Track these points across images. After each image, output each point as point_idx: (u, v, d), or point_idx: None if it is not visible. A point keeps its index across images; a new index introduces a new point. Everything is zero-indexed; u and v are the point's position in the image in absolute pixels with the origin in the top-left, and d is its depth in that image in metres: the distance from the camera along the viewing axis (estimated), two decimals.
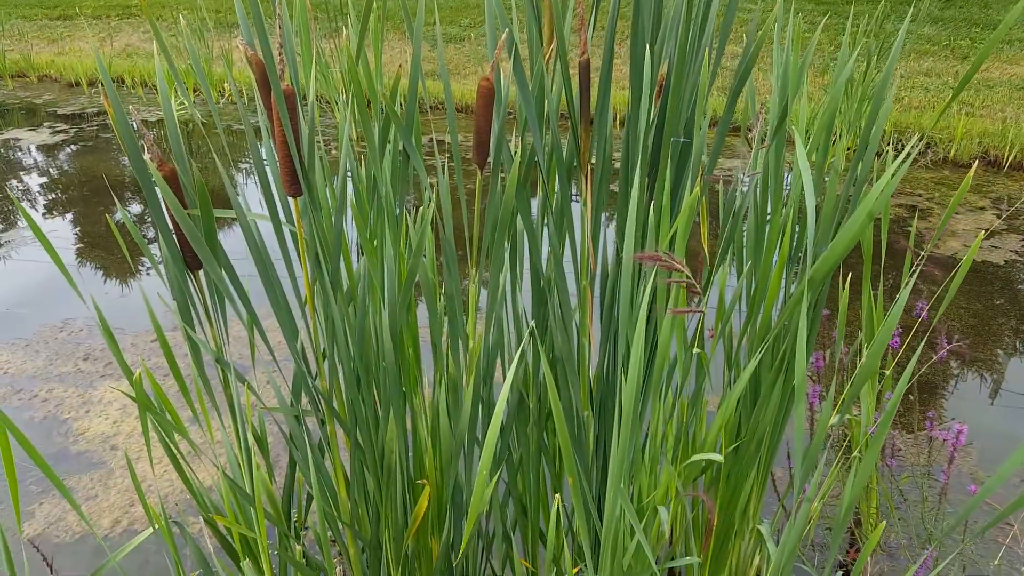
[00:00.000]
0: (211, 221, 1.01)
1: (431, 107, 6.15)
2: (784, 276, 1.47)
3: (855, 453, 1.61)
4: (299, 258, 1.08)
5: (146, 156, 0.99)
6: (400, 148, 1.18)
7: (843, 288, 1.59)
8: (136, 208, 4.80)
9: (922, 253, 1.45)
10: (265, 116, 1.08)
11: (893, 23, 6.66)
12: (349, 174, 1.15)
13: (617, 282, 1.33)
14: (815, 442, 0.98)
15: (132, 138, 1.01)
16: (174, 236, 1.07)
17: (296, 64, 1.05)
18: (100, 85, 7.53)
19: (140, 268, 3.90)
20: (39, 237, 1.10)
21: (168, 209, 1.03)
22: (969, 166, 5.09)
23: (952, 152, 5.16)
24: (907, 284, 1.09)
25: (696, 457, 0.93)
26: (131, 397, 1.10)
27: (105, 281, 3.75)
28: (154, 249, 4.12)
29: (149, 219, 4.67)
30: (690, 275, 0.78)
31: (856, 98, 4.69)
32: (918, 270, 1.26)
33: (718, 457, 0.86)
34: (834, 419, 1.41)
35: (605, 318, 1.37)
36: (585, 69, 1.21)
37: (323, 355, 1.13)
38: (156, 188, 1.02)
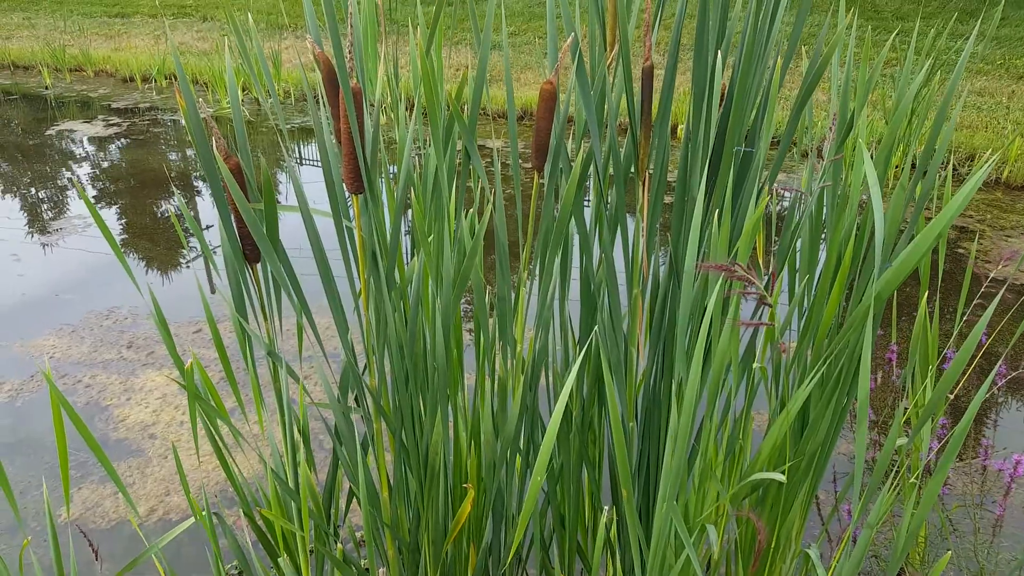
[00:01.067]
0: (274, 215, 1.02)
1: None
2: (841, 294, 1.43)
3: (912, 479, 1.56)
4: (356, 255, 1.08)
5: (214, 149, 1.00)
6: (458, 149, 1.18)
7: (924, 311, 1.54)
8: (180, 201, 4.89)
9: (992, 274, 1.40)
10: (316, 115, 1.09)
11: (945, 40, 6.51)
12: (412, 173, 1.15)
13: (668, 292, 1.31)
14: (877, 471, 0.95)
15: (201, 131, 1.02)
16: (235, 228, 1.08)
17: (363, 64, 1.06)
18: (153, 81, 7.72)
19: (181, 260, 3.97)
20: (101, 227, 1.12)
21: (231, 201, 1.03)
22: (1022, 188, 4.94)
23: (1005, 174, 5.02)
24: (969, 311, 1.05)
25: (756, 476, 0.90)
26: (181, 385, 1.11)
27: (147, 271, 3.83)
28: (194, 241, 4.20)
29: (193, 212, 4.75)
30: (760, 286, 0.76)
31: (908, 115, 4.59)
32: (997, 299, 1.22)
33: (780, 477, 0.83)
34: (900, 441, 1.37)
35: (655, 328, 1.34)
36: (648, 76, 1.20)
37: (373, 351, 1.13)
38: (220, 180, 1.03)
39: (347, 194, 1.08)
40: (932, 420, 1.75)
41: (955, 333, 1.61)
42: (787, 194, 1.29)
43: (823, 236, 1.50)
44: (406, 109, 1.26)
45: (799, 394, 1.13)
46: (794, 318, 1.49)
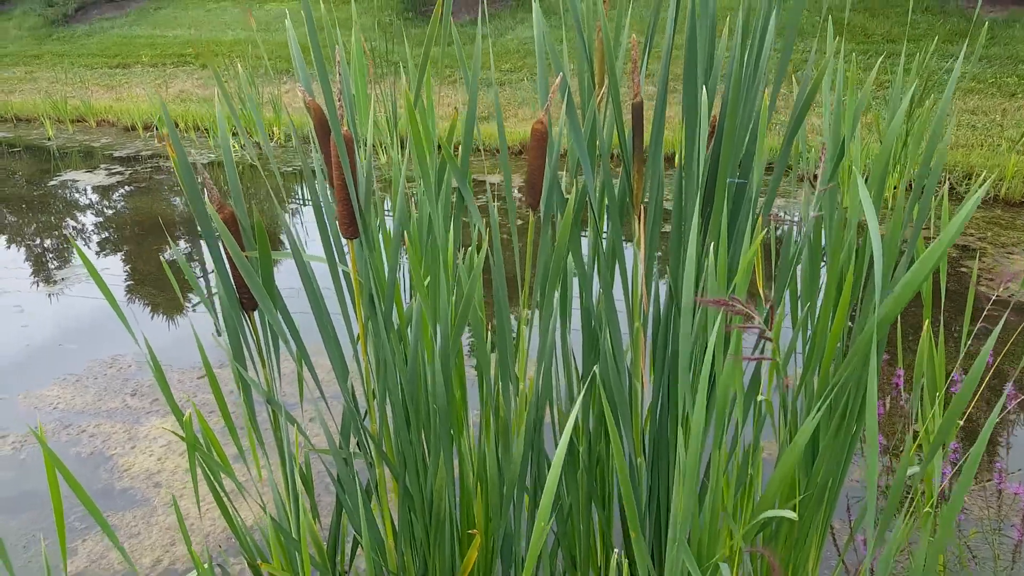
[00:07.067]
0: (269, 264, 1.02)
1: (473, 149, 6.24)
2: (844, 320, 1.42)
3: (926, 508, 1.52)
4: (352, 298, 1.08)
5: (206, 200, 1.00)
6: (453, 186, 1.19)
7: (928, 335, 1.52)
8: (183, 246, 4.93)
9: (994, 296, 1.39)
10: (307, 165, 1.09)
11: (936, 61, 6.58)
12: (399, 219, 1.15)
13: (670, 324, 1.30)
14: (891, 501, 0.93)
15: (193, 183, 1.02)
16: (231, 277, 1.08)
17: (353, 109, 1.07)
18: (155, 129, 7.83)
19: (187, 305, 3.98)
20: (93, 275, 1.12)
21: (226, 251, 1.03)
22: (1021, 205, 4.95)
23: (1003, 191, 5.03)
24: (974, 333, 1.04)
25: (767, 514, 0.88)
26: (180, 436, 1.10)
27: (153, 317, 3.84)
28: (200, 284, 4.22)
29: (196, 257, 4.78)
30: (760, 321, 0.75)
31: (902, 135, 4.62)
32: (1002, 322, 1.21)
33: (792, 515, 0.81)
34: (912, 470, 1.34)
35: (659, 361, 1.33)
36: (638, 111, 1.20)
37: (373, 394, 1.12)
38: (214, 231, 1.04)
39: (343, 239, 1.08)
40: (943, 446, 1.72)
41: (961, 355, 1.59)
42: (786, 220, 1.29)
43: (823, 261, 1.49)
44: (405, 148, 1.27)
45: (806, 427, 1.11)
46: (798, 344, 1.48)
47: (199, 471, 2.50)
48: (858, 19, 7.87)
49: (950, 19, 7.48)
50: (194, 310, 3.89)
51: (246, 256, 1.01)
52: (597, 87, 1.24)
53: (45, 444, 0.94)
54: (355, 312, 1.09)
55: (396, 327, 1.17)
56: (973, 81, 6.74)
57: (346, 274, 1.13)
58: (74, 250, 4.92)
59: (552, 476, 0.80)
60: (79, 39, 11.30)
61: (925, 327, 1.48)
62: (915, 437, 2.07)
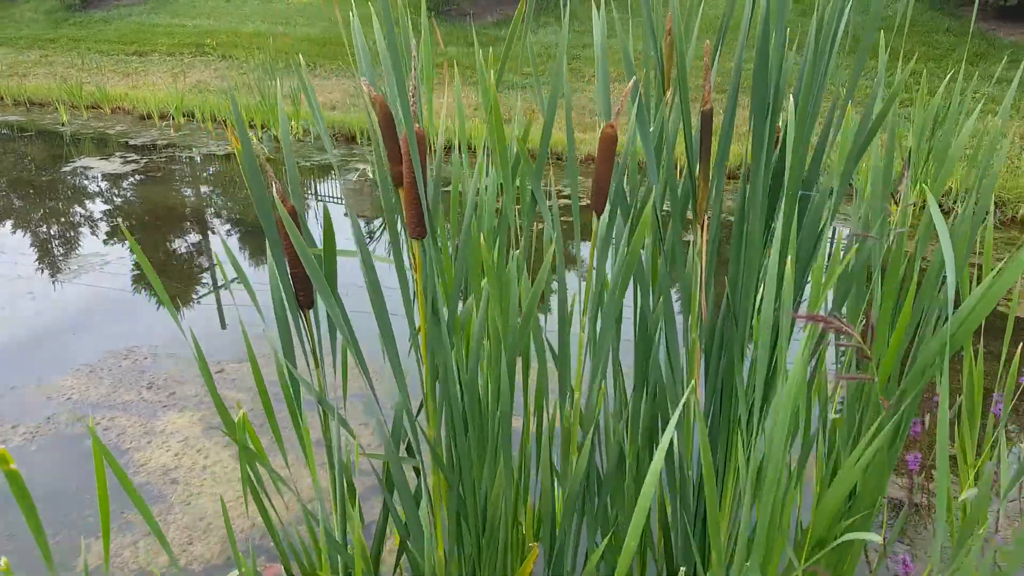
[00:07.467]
0: (333, 261, 0.99)
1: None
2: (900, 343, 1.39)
3: (980, 531, 1.49)
4: (415, 298, 1.05)
5: (274, 193, 0.97)
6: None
7: (970, 356, 1.48)
8: (194, 238, 4.89)
9: None
10: (382, 160, 1.06)
11: (959, 83, 6.56)
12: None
13: (723, 333, 1.27)
14: (962, 537, 0.90)
15: (257, 175, 1.00)
16: (289, 273, 1.05)
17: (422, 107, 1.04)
18: (171, 118, 7.81)
19: (193, 296, 3.94)
20: (146, 269, 1.09)
21: (288, 245, 1.01)
22: None
23: (1021, 212, 5.01)
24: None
25: (848, 536, 0.85)
26: (234, 439, 1.07)
27: (159, 308, 3.80)
28: (206, 277, 4.18)
29: (206, 250, 4.74)
30: (860, 340, 0.72)
31: (923, 154, 4.60)
32: None
33: (876, 538, 0.78)
34: (965, 495, 1.31)
35: (712, 370, 1.30)
36: (707, 118, 1.18)
37: (433, 397, 1.09)
38: (276, 224, 1.01)
39: (403, 238, 1.05)
40: (980, 465, 1.69)
41: (1004, 376, 1.56)
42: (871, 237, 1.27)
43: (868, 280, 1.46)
44: (460, 152, 1.25)
45: (856, 465, 1.07)
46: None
47: (219, 472, 2.46)
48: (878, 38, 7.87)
49: (972, 40, 7.48)
50: (199, 303, 3.85)
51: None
52: (667, 91, 1.21)
53: (97, 439, 0.91)
54: (413, 313, 1.07)
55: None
56: (992, 103, 6.73)
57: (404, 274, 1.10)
58: (86, 239, 4.88)
59: (644, 498, 0.76)
60: (96, 24, 11.29)
61: (1020, 355, 1.44)
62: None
